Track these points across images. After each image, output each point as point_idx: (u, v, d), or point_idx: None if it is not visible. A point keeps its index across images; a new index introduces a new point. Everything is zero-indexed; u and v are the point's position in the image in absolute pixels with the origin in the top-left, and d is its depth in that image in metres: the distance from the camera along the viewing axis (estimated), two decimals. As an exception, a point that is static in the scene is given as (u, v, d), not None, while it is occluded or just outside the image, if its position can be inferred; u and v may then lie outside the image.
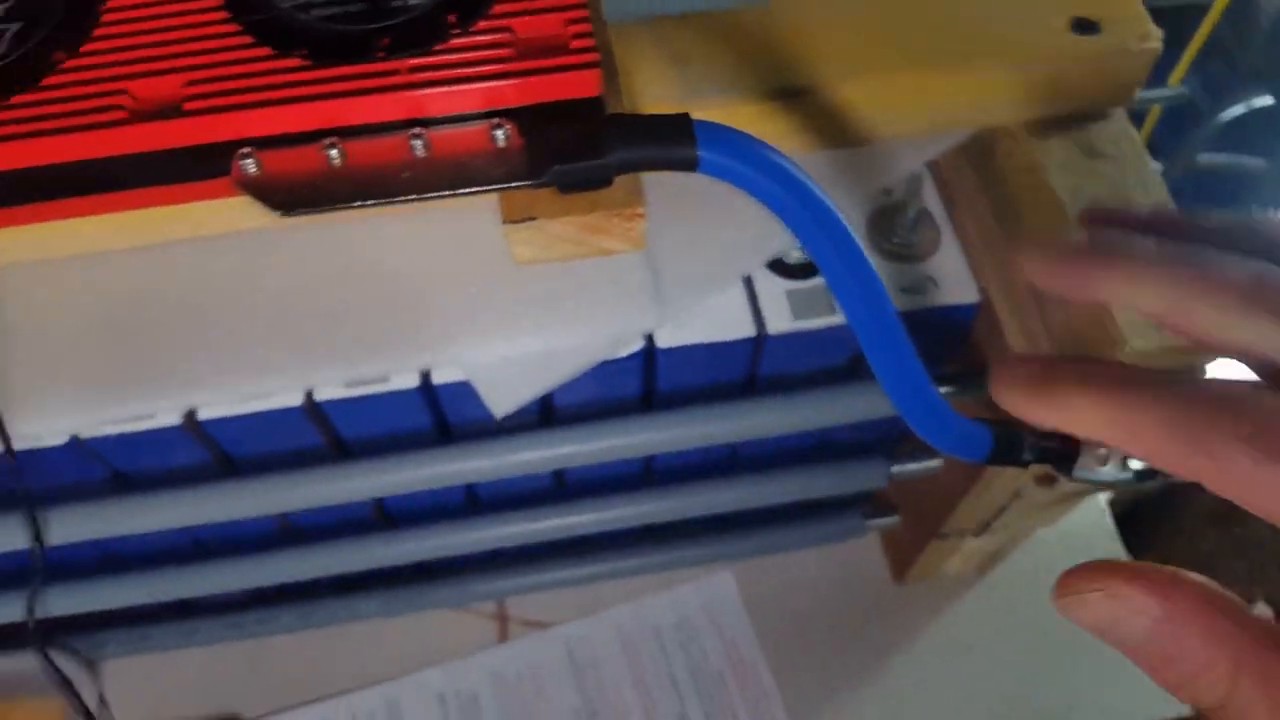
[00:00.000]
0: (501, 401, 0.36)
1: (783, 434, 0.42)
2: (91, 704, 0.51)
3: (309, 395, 0.38)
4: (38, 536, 0.39)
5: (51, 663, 0.48)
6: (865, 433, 0.48)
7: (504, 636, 0.57)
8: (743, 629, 0.56)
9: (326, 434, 0.41)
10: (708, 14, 0.37)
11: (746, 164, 0.27)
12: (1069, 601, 0.21)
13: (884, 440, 0.49)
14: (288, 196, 0.28)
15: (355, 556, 0.47)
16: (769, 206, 0.28)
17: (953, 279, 0.40)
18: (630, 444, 0.41)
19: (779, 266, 0.40)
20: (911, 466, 0.48)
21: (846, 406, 0.40)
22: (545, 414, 0.43)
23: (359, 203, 0.28)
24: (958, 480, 0.47)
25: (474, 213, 0.37)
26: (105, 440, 0.38)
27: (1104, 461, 0.27)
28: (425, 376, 0.38)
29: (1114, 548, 0.57)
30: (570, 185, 0.28)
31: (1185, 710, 0.47)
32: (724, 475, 0.48)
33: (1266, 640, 0.19)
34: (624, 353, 0.38)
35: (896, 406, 0.28)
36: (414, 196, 0.28)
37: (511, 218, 0.31)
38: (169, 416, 0.38)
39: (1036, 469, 0.44)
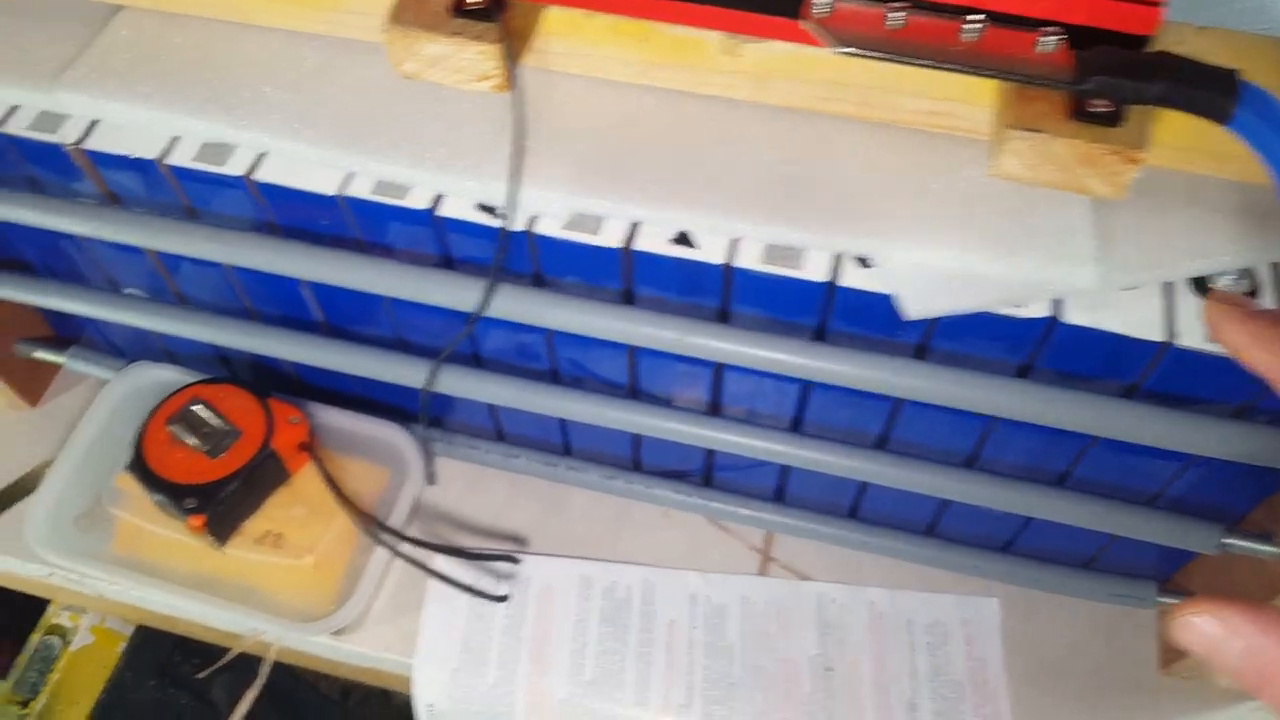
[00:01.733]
0: (915, 306, 0.39)
1: (1153, 446, 0.42)
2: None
3: (729, 259, 0.42)
4: (484, 304, 0.45)
5: (426, 438, 0.55)
6: (1208, 496, 0.47)
7: (763, 572, 0.59)
8: (993, 653, 0.56)
9: (724, 301, 0.45)
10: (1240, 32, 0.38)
11: (1280, 135, 0.29)
12: (1180, 623, 0.24)
13: (1222, 509, 0.48)
14: (849, 38, 0.32)
15: (677, 429, 0.51)
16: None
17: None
18: (1001, 402, 0.42)
19: (1202, 288, 0.41)
20: (1246, 544, 0.47)
21: (1235, 441, 0.41)
22: (918, 354, 0.45)
23: (907, 59, 0.32)
24: (1286, 575, 0.46)
25: (936, 137, 0.40)
26: (552, 242, 0.44)
27: None
28: (834, 272, 0.41)
29: None
30: (1106, 95, 0.30)
31: None
32: (1051, 485, 0.49)
33: None
34: (1030, 313, 0.40)
35: None
36: (958, 68, 0.31)
37: (1017, 123, 0.33)
38: (612, 235, 0.43)
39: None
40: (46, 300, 0.56)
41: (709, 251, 0.43)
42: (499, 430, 0.61)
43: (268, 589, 0.55)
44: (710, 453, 0.57)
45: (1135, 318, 0.40)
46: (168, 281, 0.55)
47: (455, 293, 0.45)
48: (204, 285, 0.55)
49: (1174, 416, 0.41)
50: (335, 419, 0.58)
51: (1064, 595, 0.56)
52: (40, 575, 0.62)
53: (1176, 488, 0.48)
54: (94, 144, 0.47)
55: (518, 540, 0.59)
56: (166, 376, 0.60)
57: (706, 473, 0.59)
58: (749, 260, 0.42)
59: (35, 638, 0.68)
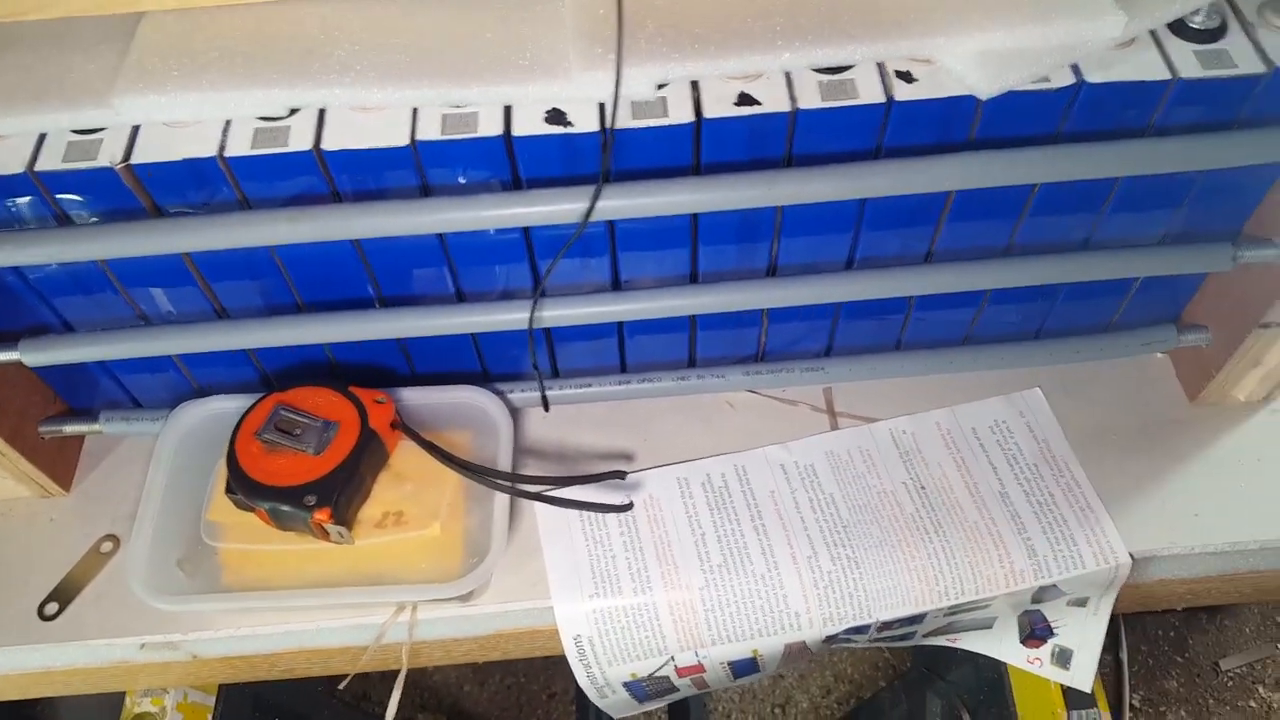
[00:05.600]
0: (990, 85, 0.44)
1: (1173, 171, 0.49)
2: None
3: (792, 105, 0.47)
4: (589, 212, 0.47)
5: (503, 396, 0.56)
6: (1214, 217, 0.55)
7: (835, 428, 0.63)
8: (1053, 431, 0.62)
9: (789, 147, 0.49)
10: None
11: None
12: None
13: (1231, 230, 0.56)
14: None
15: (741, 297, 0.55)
16: None
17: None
18: (1053, 166, 0.48)
19: (1181, 30, 0.48)
20: (1257, 252, 0.54)
21: (1234, 149, 0.48)
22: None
23: None
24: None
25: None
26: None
27: None
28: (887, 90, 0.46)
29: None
30: None
31: None
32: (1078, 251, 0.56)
33: None
34: (1060, 83, 0.46)
35: None
36: None
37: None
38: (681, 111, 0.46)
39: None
40: (110, 349, 0.54)
41: (773, 102, 0.47)
42: (555, 368, 0.63)
43: (396, 571, 0.55)
44: (765, 327, 0.61)
45: (1142, 65, 0.47)
46: (212, 301, 0.55)
47: (566, 205, 0.47)
48: (250, 292, 0.54)
49: (1194, 141, 0.48)
50: (407, 397, 0.59)
51: (1100, 360, 0.63)
52: (126, 656, 0.59)
53: (1179, 220, 0.55)
54: (141, 158, 0.47)
55: (626, 454, 0.61)
56: (216, 407, 0.59)
57: (760, 350, 0.63)
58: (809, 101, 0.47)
59: (119, 733, 0.65)
